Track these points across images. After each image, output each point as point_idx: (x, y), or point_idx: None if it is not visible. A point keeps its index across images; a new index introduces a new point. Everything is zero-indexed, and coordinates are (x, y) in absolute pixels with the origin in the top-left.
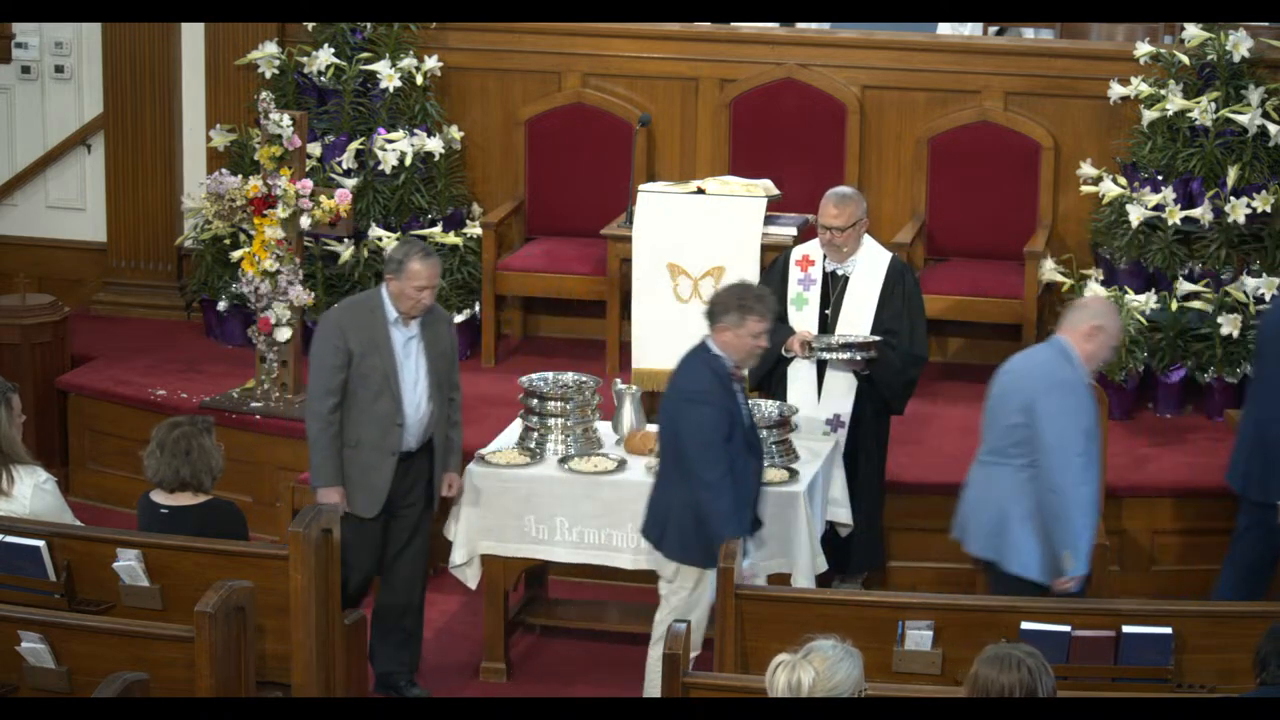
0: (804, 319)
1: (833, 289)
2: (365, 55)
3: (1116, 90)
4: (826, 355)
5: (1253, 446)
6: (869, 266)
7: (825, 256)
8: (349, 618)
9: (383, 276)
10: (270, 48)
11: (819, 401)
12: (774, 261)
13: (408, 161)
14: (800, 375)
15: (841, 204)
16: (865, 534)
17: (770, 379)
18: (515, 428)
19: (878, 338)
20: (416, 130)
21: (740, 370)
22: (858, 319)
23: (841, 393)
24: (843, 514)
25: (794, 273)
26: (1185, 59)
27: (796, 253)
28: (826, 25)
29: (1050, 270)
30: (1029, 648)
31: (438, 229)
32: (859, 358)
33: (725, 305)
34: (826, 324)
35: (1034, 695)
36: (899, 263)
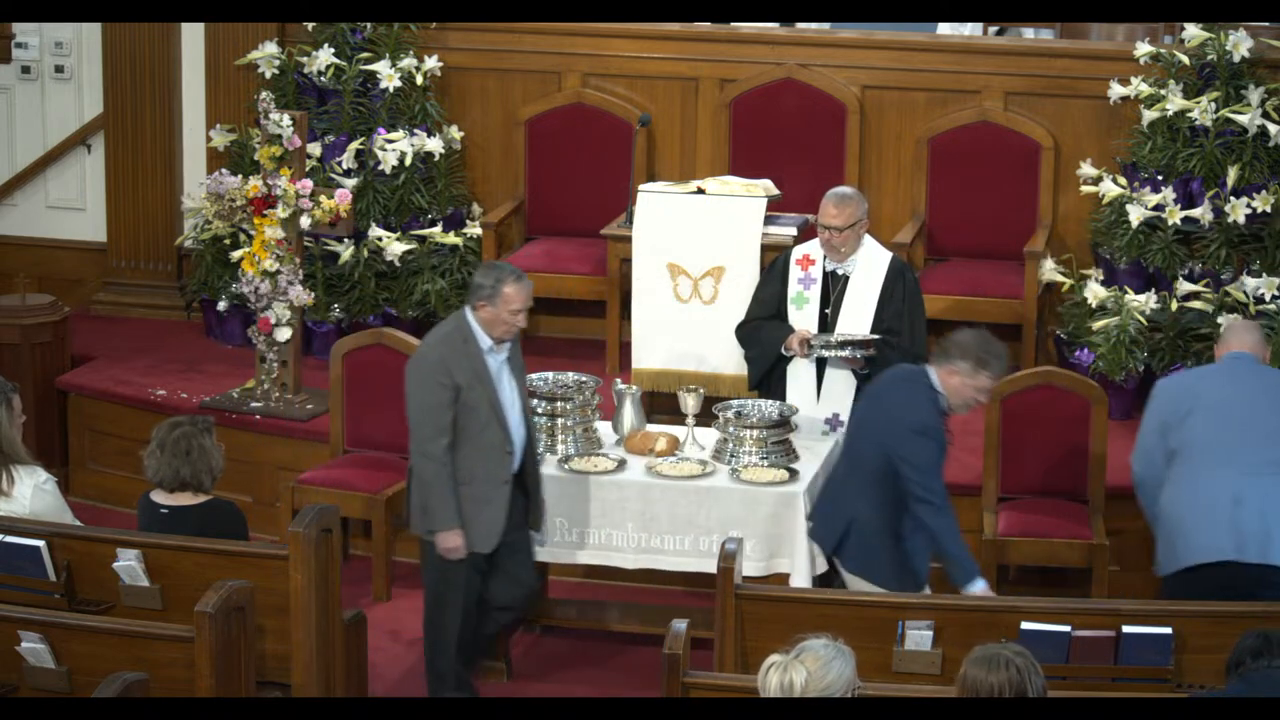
0: (804, 318)
1: (833, 288)
2: (365, 55)
3: (1116, 90)
4: (826, 353)
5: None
6: (869, 266)
7: (825, 256)
8: (349, 616)
9: (470, 304)
10: (270, 48)
11: (818, 401)
12: (774, 260)
13: (408, 161)
14: (800, 375)
15: (841, 204)
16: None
17: (769, 378)
18: None
19: (877, 336)
20: (416, 130)
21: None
22: (858, 318)
23: (841, 392)
24: None
25: (794, 271)
26: (1185, 59)
27: (797, 252)
28: (826, 25)
29: (1050, 270)
30: (1017, 647)
31: (438, 229)
32: (859, 356)
33: (965, 351)
34: (826, 323)
35: (1024, 694)
36: (899, 262)
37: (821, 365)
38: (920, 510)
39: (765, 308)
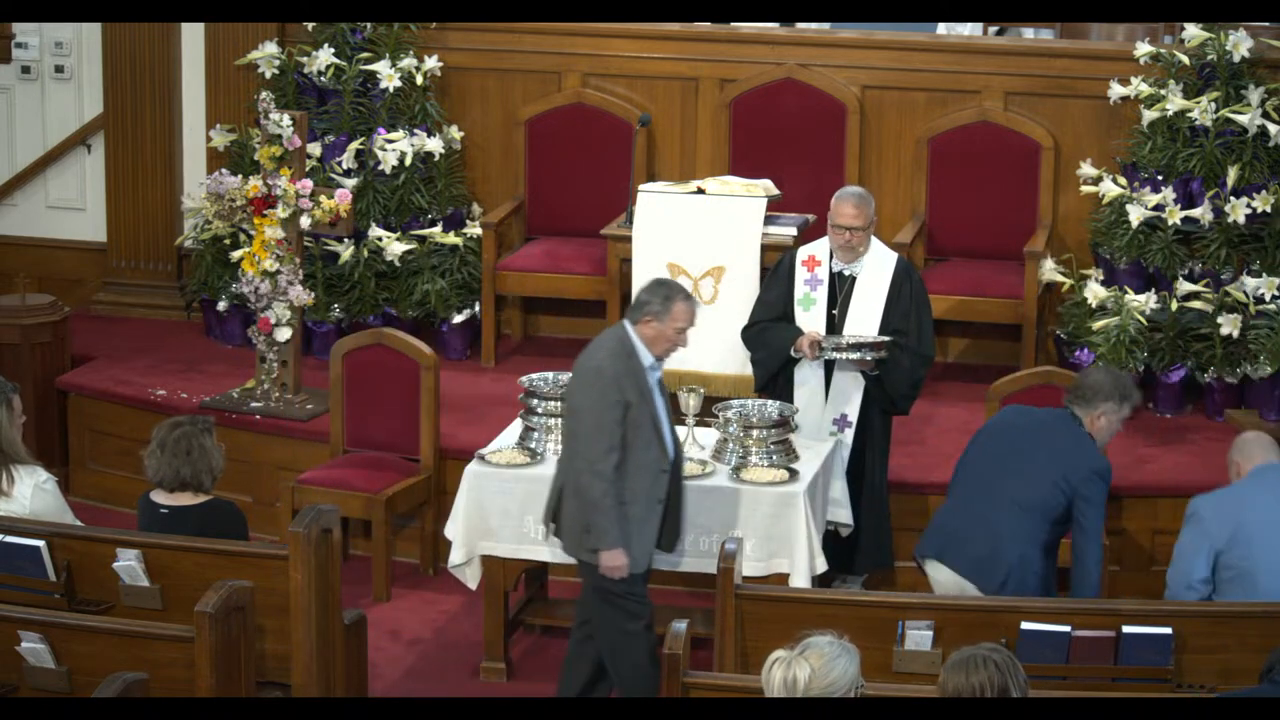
0: (811, 319)
1: (840, 289)
2: (365, 55)
3: (1116, 90)
4: (835, 355)
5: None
6: (876, 266)
7: (831, 257)
8: (349, 616)
9: (632, 319)
10: (270, 48)
11: (826, 403)
12: (778, 262)
13: (408, 161)
14: (807, 377)
15: (860, 204)
16: (873, 533)
17: (776, 381)
18: (515, 428)
19: (886, 338)
20: (416, 130)
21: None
22: (865, 319)
23: (848, 393)
24: (843, 514)
25: (800, 273)
26: (1185, 59)
27: (802, 253)
28: (826, 25)
29: (1050, 270)
30: (993, 645)
31: (438, 229)
32: (869, 358)
33: (1107, 393)
34: (834, 324)
35: (1006, 691)
36: (905, 263)
37: (829, 367)
38: (1093, 547)
39: (770, 310)
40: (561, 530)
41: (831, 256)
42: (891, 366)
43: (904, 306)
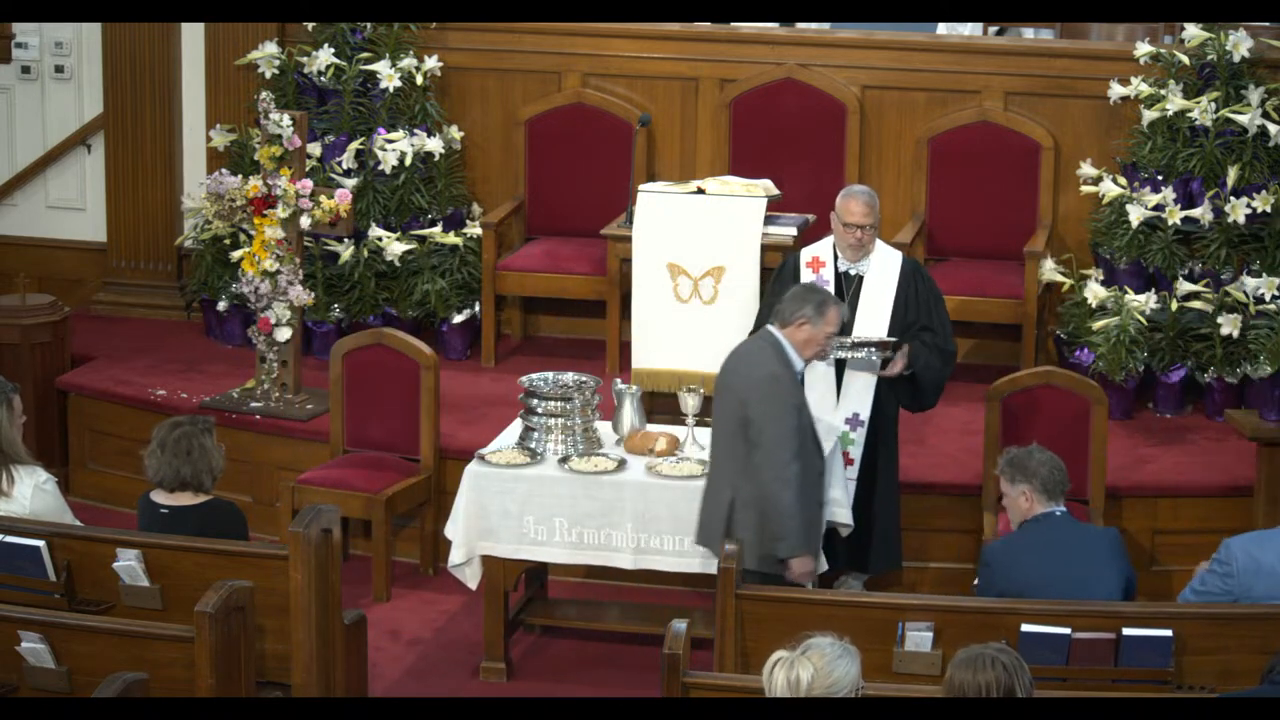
0: None
1: (847, 289)
2: (365, 55)
3: (1116, 90)
4: (843, 354)
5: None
6: (882, 265)
7: (836, 257)
8: (349, 616)
9: (783, 324)
10: (270, 48)
11: (838, 403)
12: (782, 264)
13: (408, 161)
14: (817, 378)
15: (870, 201)
16: (885, 532)
17: None
18: (515, 428)
19: (894, 339)
20: (416, 130)
21: None
22: (875, 318)
23: (861, 392)
24: (843, 514)
25: (805, 275)
26: (1185, 59)
27: (806, 254)
28: (826, 25)
29: (1050, 270)
30: (1000, 645)
31: (438, 229)
32: (874, 357)
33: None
34: (844, 325)
35: (1012, 691)
36: (911, 261)
37: (840, 366)
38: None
39: None
40: (733, 543)
41: (836, 257)
42: (925, 366)
43: (924, 303)
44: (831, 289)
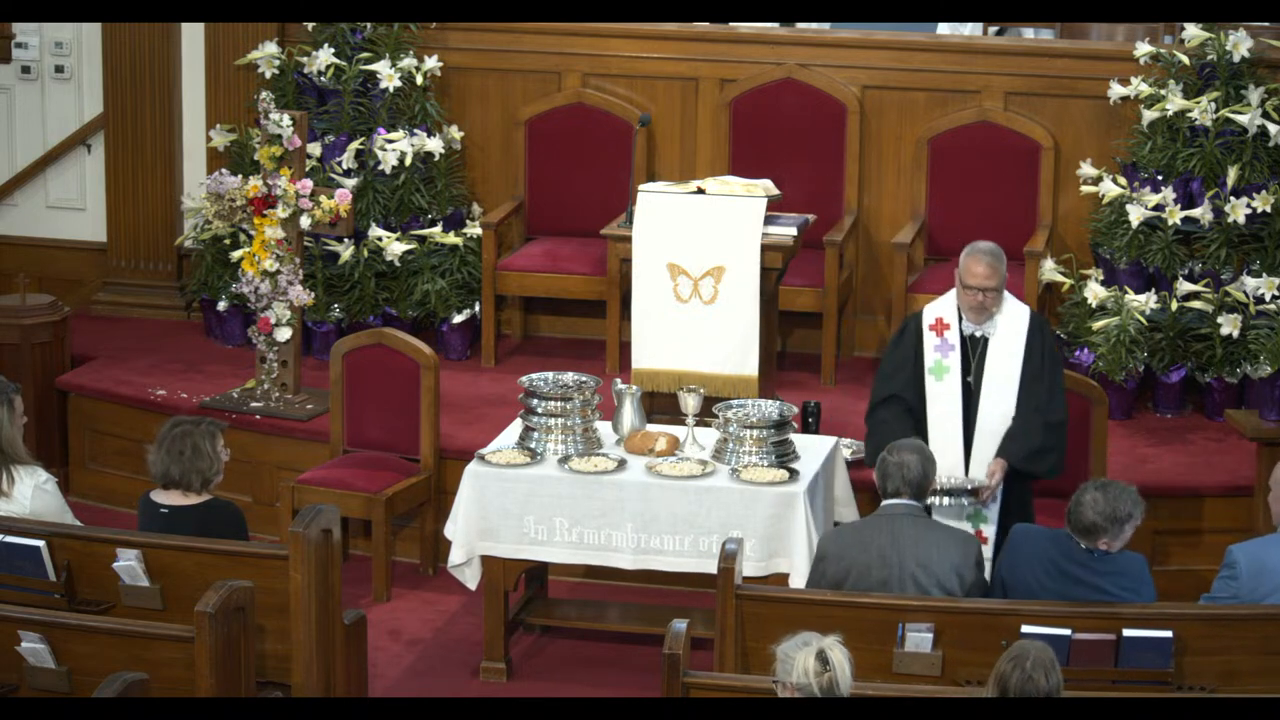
0: (946, 389)
1: (973, 353)
2: (365, 55)
3: (1116, 90)
4: (934, 501)
5: None
6: (1009, 324)
7: (961, 318)
8: (349, 616)
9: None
10: (270, 48)
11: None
12: (902, 328)
13: (408, 161)
14: (943, 451)
15: (994, 262)
16: None
17: None
18: (515, 428)
19: (980, 481)
20: (416, 130)
21: None
22: (1003, 383)
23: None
24: (848, 514)
25: (929, 339)
26: (1185, 59)
27: (928, 315)
28: (826, 25)
29: (1050, 270)
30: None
31: (438, 229)
32: (966, 502)
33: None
34: (970, 392)
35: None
36: (1037, 317)
37: (969, 440)
38: None
39: (893, 381)
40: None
41: (961, 318)
42: (1024, 460)
43: (1035, 365)
44: (958, 354)
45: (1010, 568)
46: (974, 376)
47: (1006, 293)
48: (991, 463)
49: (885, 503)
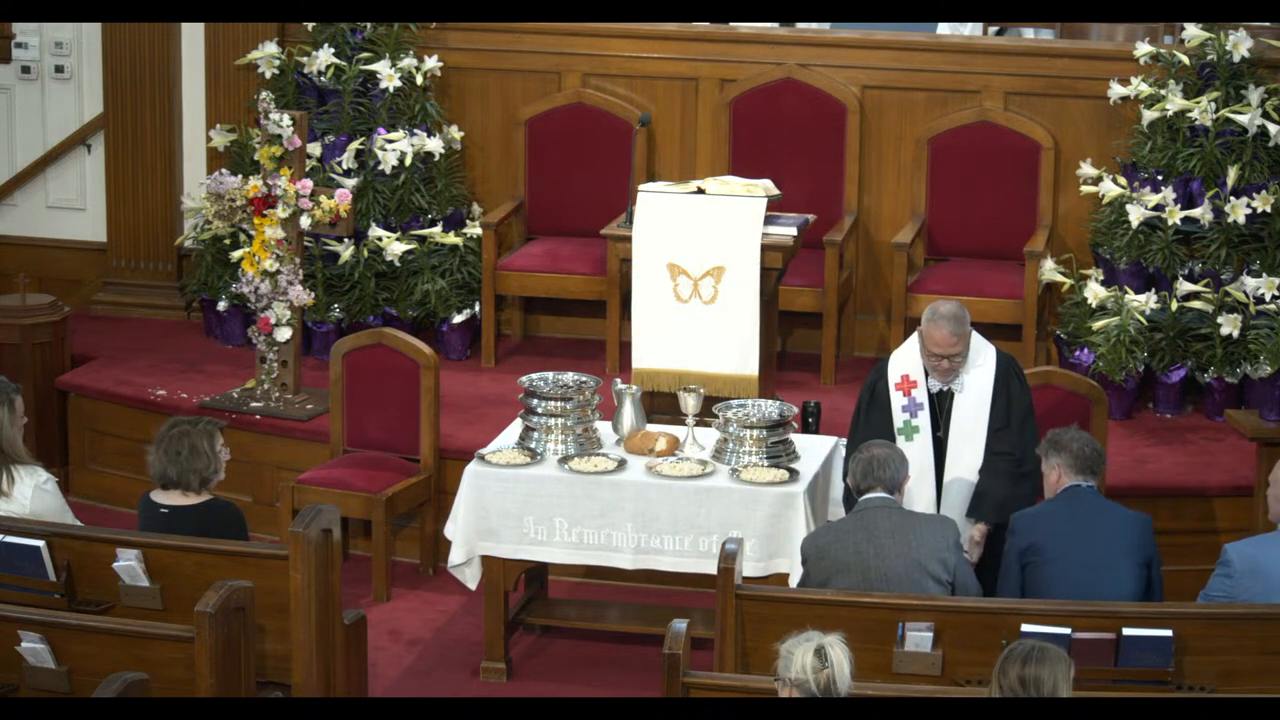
0: (917, 449)
1: (941, 409)
2: (365, 55)
3: (1116, 90)
4: None
5: None
6: (976, 378)
7: (928, 374)
8: (349, 616)
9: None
10: (270, 48)
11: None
12: (870, 387)
13: (408, 161)
14: (917, 497)
15: (958, 328)
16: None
17: None
18: (515, 428)
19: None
20: (416, 130)
21: None
22: (971, 437)
23: (957, 506)
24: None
25: (896, 399)
26: (1185, 59)
27: (893, 374)
28: (826, 25)
29: (1050, 270)
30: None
31: (438, 229)
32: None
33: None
34: (941, 448)
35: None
36: (1006, 360)
37: (939, 487)
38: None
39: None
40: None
41: (927, 374)
42: (998, 511)
43: (1000, 418)
44: (926, 411)
45: (1027, 531)
46: (944, 431)
47: (974, 339)
48: (972, 530)
49: (860, 499)
